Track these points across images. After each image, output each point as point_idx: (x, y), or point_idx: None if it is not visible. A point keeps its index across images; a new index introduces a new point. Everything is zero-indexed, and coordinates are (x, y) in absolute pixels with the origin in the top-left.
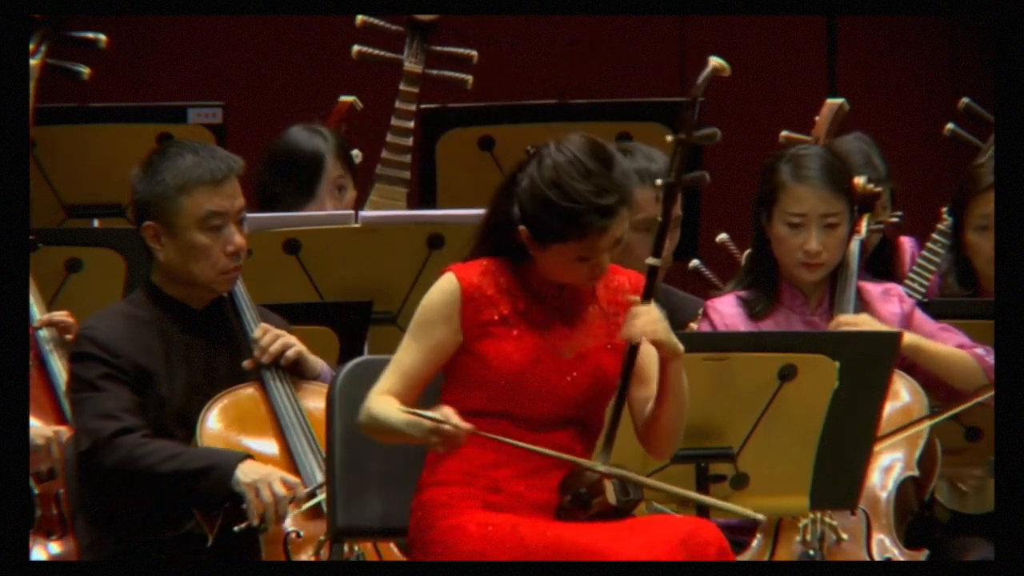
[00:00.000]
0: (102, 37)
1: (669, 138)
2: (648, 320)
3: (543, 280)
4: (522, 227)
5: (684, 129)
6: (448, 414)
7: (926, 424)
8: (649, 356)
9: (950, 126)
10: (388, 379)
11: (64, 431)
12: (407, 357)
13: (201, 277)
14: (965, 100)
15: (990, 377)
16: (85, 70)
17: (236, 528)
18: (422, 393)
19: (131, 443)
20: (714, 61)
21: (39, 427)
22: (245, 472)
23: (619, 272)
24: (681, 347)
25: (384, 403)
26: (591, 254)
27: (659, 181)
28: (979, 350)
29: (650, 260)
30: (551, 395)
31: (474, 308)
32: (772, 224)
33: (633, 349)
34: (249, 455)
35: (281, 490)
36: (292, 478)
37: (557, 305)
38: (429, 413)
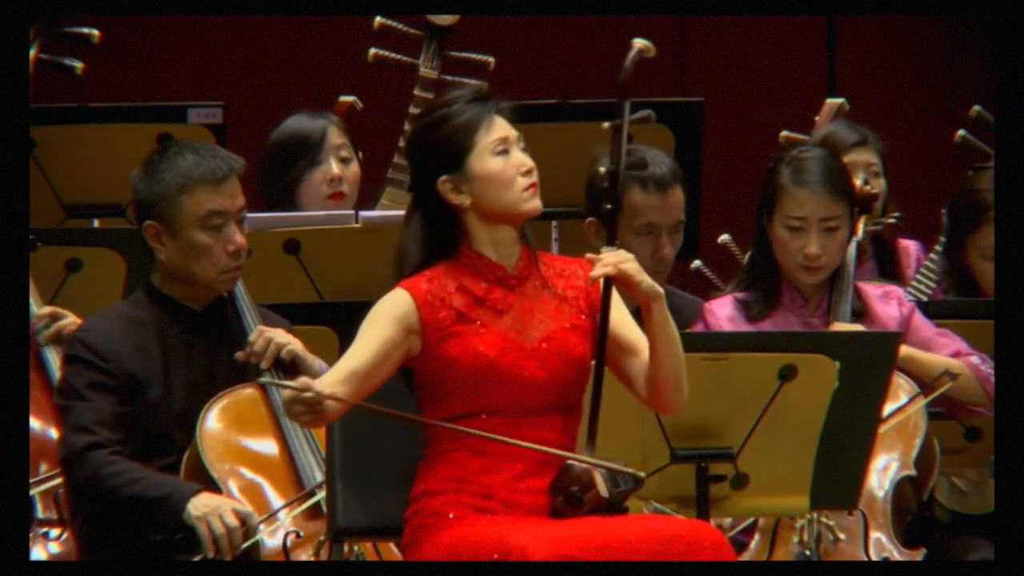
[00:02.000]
0: (95, 32)
1: (605, 125)
2: (616, 256)
3: (489, 266)
4: (441, 179)
5: (618, 115)
6: (307, 382)
7: (898, 418)
8: (627, 325)
9: (961, 133)
10: (329, 372)
11: None
12: (352, 352)
13: (202, 276)
14: (977, 108)
15: (984, 387)
16: (78, 65)
17: (194, 560)
18: (369, 394)
19: (99, 461)
20: (638, 43)
21: None
22: (196, 505)
23: (568, 261)
24: (659, 288)
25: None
26: (503, 144)
27: (602, 169)
28: (974, 358)
29: (605, 249)
30: (523, 383)
31: (431, 312)
32: (773, 226)
33: (607, 291)
34: (203, 488)
35: (233, 521)
36: (246, 508)
37: (512, 287)
38: (289, 383)
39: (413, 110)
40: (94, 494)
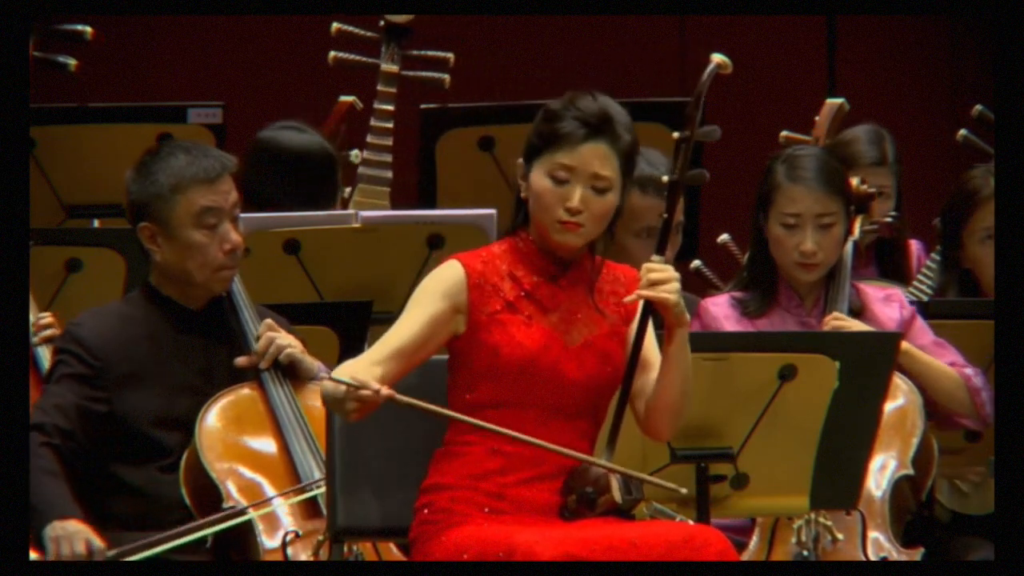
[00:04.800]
0: (88, 29)
1: (676, 135)
2: (665, 275)
3: (543, 260)
4: (521, 160)
5: (688, 127)
6: (364, 380)
7: None
8: (649, 342)
9: (963, 132)
10: (372, 350)
11: None
12: (397, 329)
13: (198, 275)
14: (979, 108)
15: (974, 399)
16: (72, 62)
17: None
18: (410, 371)
19: (31, 446)
20: (717, 58)
21: None
22: (56, 527)
23: (613, 267)
24: (687, 316)
25: (338, 370)
26: (565, 172)
27: (665, 178)
28: (968, 370)
29: (654, 258)
30: (560, 382)
31: (480, 295)
32: (769, 225)
33: (646, 309)
34: (74, 516)
35: (80, 550)
36: (99, 543)
37: (562, 287)
38: (346, 379)
39: (378, 106)
40: None
